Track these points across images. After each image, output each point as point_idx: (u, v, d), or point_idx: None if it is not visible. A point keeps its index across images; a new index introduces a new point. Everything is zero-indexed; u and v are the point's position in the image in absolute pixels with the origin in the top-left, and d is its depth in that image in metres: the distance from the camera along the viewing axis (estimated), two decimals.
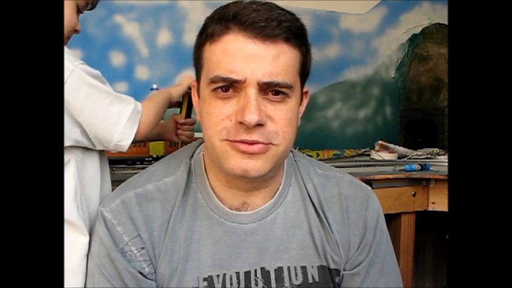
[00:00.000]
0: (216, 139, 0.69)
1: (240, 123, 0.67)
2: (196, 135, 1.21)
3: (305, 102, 0.78)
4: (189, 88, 1.20)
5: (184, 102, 1.21)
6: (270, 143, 0.69)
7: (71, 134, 0.82)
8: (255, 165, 0.69)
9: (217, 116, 0.69)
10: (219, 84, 0.68)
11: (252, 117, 0.65)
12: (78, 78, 0.80)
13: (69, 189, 0.82)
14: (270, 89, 0.68)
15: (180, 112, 1.21)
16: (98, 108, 0.82)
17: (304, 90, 0.77)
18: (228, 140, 0.68)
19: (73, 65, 0.80)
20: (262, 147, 0.68)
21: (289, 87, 0.69)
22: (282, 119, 0.69)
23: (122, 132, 0.84)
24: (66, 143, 0.81)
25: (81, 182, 0.85)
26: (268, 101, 0.68)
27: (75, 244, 0.81)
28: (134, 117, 0.86)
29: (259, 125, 0.67)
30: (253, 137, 0.67)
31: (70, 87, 0.79)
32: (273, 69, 0.67)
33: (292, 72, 0.70)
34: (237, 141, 0.68)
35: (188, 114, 1.21)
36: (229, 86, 0.68)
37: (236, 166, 0.69)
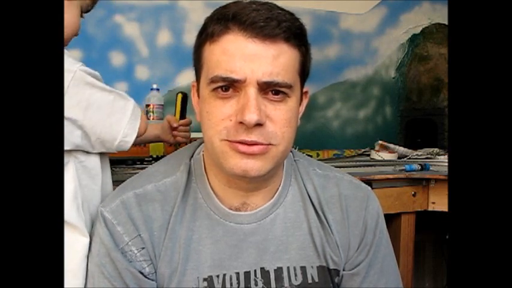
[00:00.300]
0: (216, 139, 0.69)
1: (240, 123, 0.67)
2: (194, 135, 1.22)
3: (305, 102, 0.78)
4: (180, 92, 1.21)
5: (177, 104, 1.21)
6: (270, 144, 0.69)
7: (71, 138, 0.82)
8: (255, 165, 0.69)
9: (217, 115, 0.69)
10: (219, 84, 0.68)
11: (251, 117, 0.65)
12: (80, 80, 0.81)
13: (68, 191, 0.82)
14: (270, 89, 0.68)
15: (174, 114, 1.21)
16: (102, 106, 0.83)
17: (304, 90, 0.77)
18: (228, 140, 0.68)
19: (74, 67, 0.81)
20: (262, 149, 0.68)
21: (289, 86, 0.69)
22: (281, 119, 0.69)
23: (127, 128, 0.86)
24: (66, 147, 0.81)
25: (81, 183, 0.85)
26: (268, 101, 0.68)
27: (75, 245, 0.81)
28: (136, 112, 0.88)
29: (259, 125, 0.67)
30: (252, 137, 0.67)
31: (73, 90, 0.80)
32: (272, 69, 0.67)
33: (292, 72, 0.70)
34: (236, 142, 0.68)
35: (182, 115, 1.21)
36: (229, 85, 0.68)
37: (236, 166, 0.69)
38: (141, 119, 0.89)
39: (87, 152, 0.86)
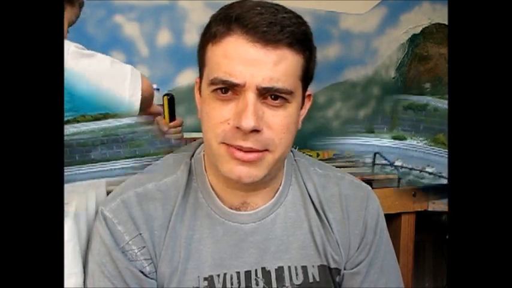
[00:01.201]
0: (214, 142, 0.69)
1: (237, 127, 0.67)
2: (186, 135, 1.22)
3: (308, 105, 0.78)
4: (165, 95, 1.21)
5: (165, 107, 1.20)
6: (266, 150, 0.69)
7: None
8: (249, 172, 0.69)
9: (215, 118, 0.69)
10: (219, 86, 0.68)
11: (248, 123, 0.65)
12: (76, 53, 0.82)
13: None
14: (269, 94, 0.68)
15: (164, 117, 1.20)
16: (103, 71, 0.85)
17: (308, 93, 0.76)
18: (225, 144, 0.68)
19: (69, 44, 0.82)
20: (258, 156, 0.68)
21: (290, 93, 0.68)
22: (279, 125, 0.69)
23: (132, 88, 0.87)
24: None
25: None
26: (267, 106, 0.68)
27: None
28: (135, 72, 0.89)
29: (256, 131, 0.67)
30: (248, 143, 0.67)
31: (72, 63, 0.81)
32: (273, 75, 0.66)
33: (293, 78, 0.69)
34: (233, 146, 0.68)
35: (172, 117, 1.20)
36: (228, 88, 0.67)
37: (230, 171, 0.69)
38: (142, 79, 0.90)
39: None
